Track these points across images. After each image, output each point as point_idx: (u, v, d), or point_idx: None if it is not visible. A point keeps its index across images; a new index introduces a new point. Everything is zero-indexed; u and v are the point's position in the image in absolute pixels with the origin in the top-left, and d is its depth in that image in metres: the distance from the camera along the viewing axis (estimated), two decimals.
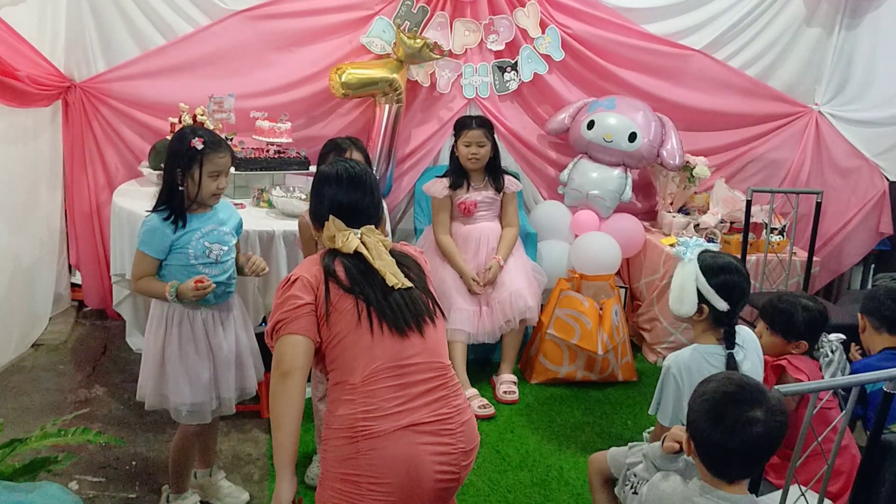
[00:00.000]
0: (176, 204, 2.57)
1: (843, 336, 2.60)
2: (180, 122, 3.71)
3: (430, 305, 2.11)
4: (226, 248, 2.67)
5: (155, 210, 2.60)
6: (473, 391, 3.70)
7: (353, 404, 1.96)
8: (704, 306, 2.30)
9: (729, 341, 2.29)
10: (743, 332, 2.35)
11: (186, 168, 2.54)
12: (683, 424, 1.92)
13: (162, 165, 3.63)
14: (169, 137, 3.71)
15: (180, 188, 2.56)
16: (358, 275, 2.03)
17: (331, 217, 2.10)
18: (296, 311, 1.98)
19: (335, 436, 1.98)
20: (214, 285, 2.55)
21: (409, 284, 2.07)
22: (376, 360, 1.98)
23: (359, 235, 2.09)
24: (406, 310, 2.04)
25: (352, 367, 1.99)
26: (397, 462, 1.93)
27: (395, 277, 2.04)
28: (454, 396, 2.06)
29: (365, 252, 2.06)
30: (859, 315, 2.85)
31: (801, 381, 2.40)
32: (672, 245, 4.26)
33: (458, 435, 2.03)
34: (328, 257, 2.08)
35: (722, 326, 2.30)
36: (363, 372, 1.98)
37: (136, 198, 3.61)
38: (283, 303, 2.01)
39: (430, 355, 2.05)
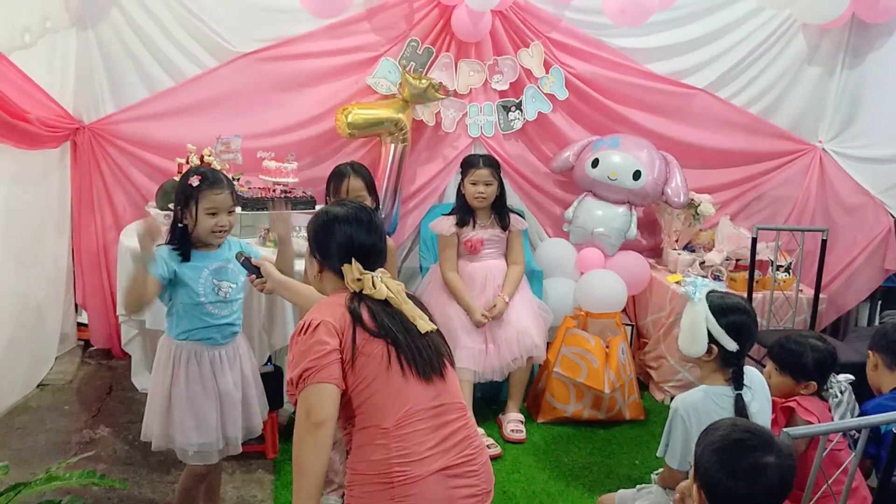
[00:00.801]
0: (179, 239, 2.61)
1: (851, 377, 2.58)
2: (188, 162, 3.74)
3: (446, 347, 2.11)
4: (234, 285, 2.68)
5: (165, 244, 2.63)
6: (480, 431, 3.67)
7: (386, 449, 1.93)
8: (714, 346, 2.29)
9: (737, 382, 2.28)
10: (750, 374, 2.34)
11: (184, 205, 2.59)
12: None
13: (170, 206, 3.69)
14: (176, 178, 3.75)
15: (180, 224, 2.61)
16: (387, 319, 2.00)
17: (353, 260, 2.05)
18: (325, 358, 1.92)
19: (368, 481, 1.94)
20: (163, 228, 2.56)
21: (435, 327, 2.06)
22: (408, 404, 1.96)
23: (380, 280, 2.06)
24: (433, 353, 2.03)
25: (383, 411, 1.95)
26: None
27: (424, 322, 2.03)
28: (474, 437, 2.06)
29: (392, 296, 2.03)
30: (869, 352, 2.84)
31: (812, 422, 2.38)
32: (678, 282, 4.26)
33: (482, 476, 2.02)
34: (354, 301, 2.02)
35: (730, 367, 2.30)
36: (395, 416, 1.94)
37: None
38: (308, 350, 1.93)
39: (452, 396, 2.05)
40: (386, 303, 2.03)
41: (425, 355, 2.01)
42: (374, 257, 2.10)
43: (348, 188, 3.05)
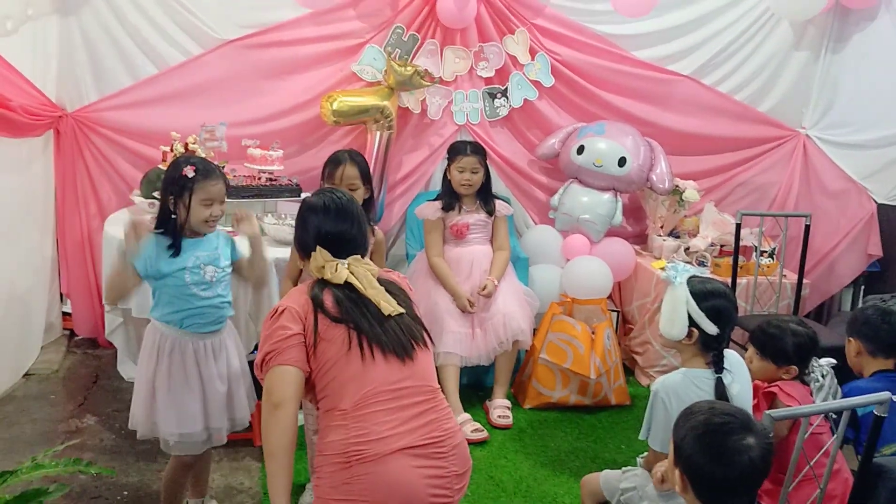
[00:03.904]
0: (170, 231, 2.58)
1: (833, 360, 2.61)
2: (172, 150, 3.72)
3: (420, 330, 2.14)
4: (219, 269, 2.67)
5: (153, 231, 2.60)
6: (466, 416, 3.69)
7: (345, 429, 1.97)
8: (694, 330, 2.31)
9: (718, 365, 2.30)
10: (731, 357, 2.37)
11: (178, 195, 2.56)
12: None
13: (154, 194, 3.66)
14: (161, 166, 3.73)
15: (173, 216, 2.57)
16: (350, 304, 2.05)
17: (318, 248, 2.12)
18: (285, 342, 2.00)
19: (328, 462, 1.98)
20: (148, 223, 2.52)
21: (402, 310, 2.10)
22: (367, 386, 2.00)
23: (346, 265, 2.10)
24: (402, 335, 2.07)
25: (341, 393, 2.00)
26: (392, 486, 1.93)
27: (388, 305, 2.07)
28: (445, 420, 2.08)
29: (355, 282, 2.08)
30: (850, 339, 2.84)
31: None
32: (662, 269, 4.28)
33: (451, 458, 2.03)
34: (317, 287, 2.09)
35: (710, 351, 2.32)
36: (354, 397, 1.99)
37: None
38: (271, 334, 2.02)
39: (421, 379, 2.08)
40: (351, 288, 2.07)
41: (393, 338, 2.05)
42: (342, 245, 2.15)
43: (342, 176, 3.05)
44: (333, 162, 3.11)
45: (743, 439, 1.70)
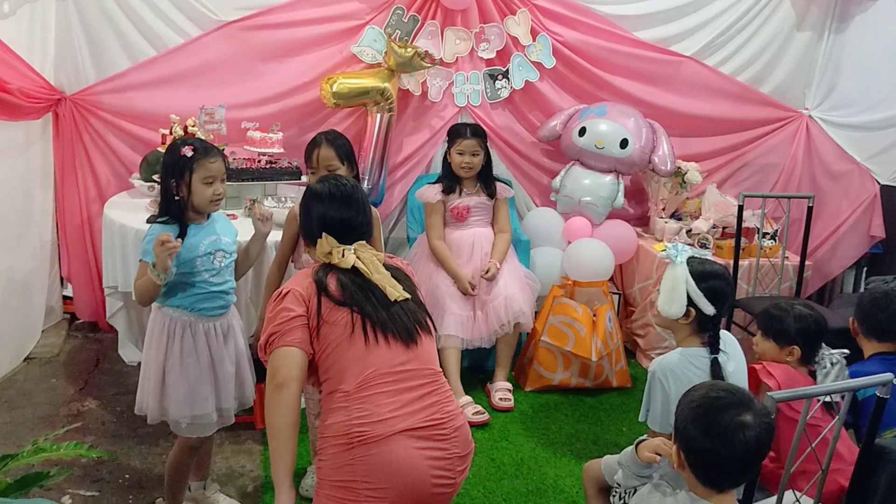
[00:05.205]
0: (175, 214, 2.57)
1: (846, 351, 2.60)
2: (171, 133, 3.71)
3: (424, 316, 2.16)
4: (227, 255, 2.68)
5: (157, 220, 2.59)
6: (468, 399, 3.69)
7: (347, 411, 1.98)
8: (691, 310, 2.32)
9: (713, 346, 2.31)
10: (725, 337, 2.38)
11: (180, 177, 2.55)
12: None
13: (154, 177, 3.65)
14: (160, 149, 3.72)
15: (177, 198, 2.56)
16: (355, 289, 2.07)
17: (324, 235, 2.14)
18: (289, 324, 2.01)
19: (331, 444, 1.99)
20: (180, 241, 2.49)
21: (407, 296, 2.12)
22: (369, 368, 2.01)
23: (352, 251, 2.12)
24: (407, 320, 2.09)
25: (344, 375, 2.01)
26: (393, 467, 1.94)
27: (394, 290, 2.09)
28: (447, 402, 2.09)
29: (362, 267, 2.10)
30: (851, 319, 2.87)
31: (770, 385, 2.41)
32: (663, 251, 4.27)
33: (453, 440, 2.04)
34: (322, 271, 2.11)
35: (706, 331, 2.33)
36: (356, 379, 2.00)
37: (128, 210, 3.61)
38: (275, 316, 2.04)
39: (422, 362, 2.09)
40: (357, 273, 2.09)
41: (398, 322, 2.07)
42: (348, 231, 2.17)
43: (319, 158, 3.05)
44: (310, 145, 3.09)
45: (739, 415, 1.70)
